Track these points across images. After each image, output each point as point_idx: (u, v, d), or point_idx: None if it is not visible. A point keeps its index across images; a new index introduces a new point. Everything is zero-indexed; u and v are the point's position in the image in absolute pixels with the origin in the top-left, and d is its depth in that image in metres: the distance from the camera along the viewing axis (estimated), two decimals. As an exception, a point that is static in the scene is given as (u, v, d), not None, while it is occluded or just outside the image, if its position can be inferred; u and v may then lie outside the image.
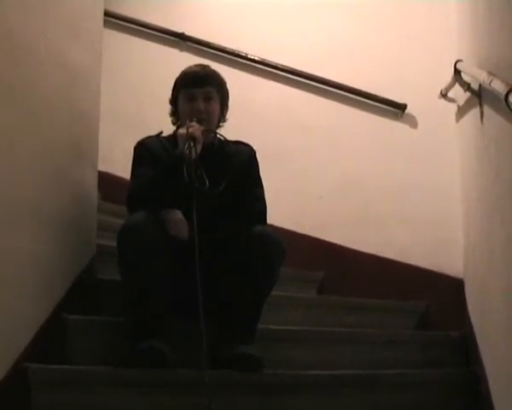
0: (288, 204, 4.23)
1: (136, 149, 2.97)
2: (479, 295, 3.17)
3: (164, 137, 2.99)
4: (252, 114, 4.49)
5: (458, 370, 3.20)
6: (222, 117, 3.05)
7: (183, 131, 2.76)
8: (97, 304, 2.92)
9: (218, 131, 3.00)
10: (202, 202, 2.62)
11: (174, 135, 2.90)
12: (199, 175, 2.64)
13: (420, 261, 3.85)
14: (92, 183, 3.23)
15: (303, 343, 3.02)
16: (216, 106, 2.98)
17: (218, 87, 3.00)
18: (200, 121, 2.84)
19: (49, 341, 2.50)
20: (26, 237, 2.37)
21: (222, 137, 2.93)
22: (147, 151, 2.92)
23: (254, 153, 3.05)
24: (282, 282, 3.72)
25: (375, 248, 4.00)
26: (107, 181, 3.64)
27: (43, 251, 2.55)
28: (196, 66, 3.05)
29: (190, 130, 2.72)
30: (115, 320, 2.75)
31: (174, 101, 3.04)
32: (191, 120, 2.81)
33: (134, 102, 4.80)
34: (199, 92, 2.93)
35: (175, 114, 3.03)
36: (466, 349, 3.28)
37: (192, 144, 2.68)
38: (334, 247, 4.12)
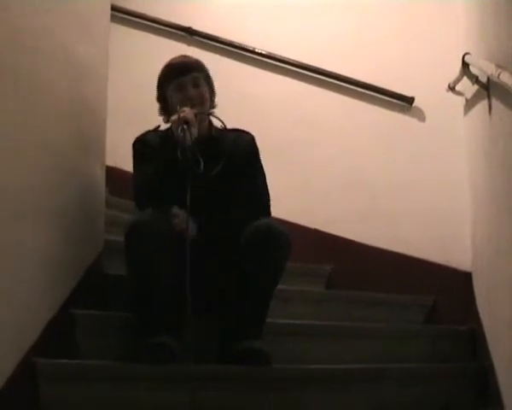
0: (296, 198, 4.23)
1: (134, 145, 2.96)
2: (487, 288, 3.16)
3: (161, 131, 2.99)
4: (259, 107, 4.48)
5: (467, 364, 3.21)
6: (211, 103, 3.04)
7: (175, 117, 2.77)
8: (105, 299, 2.92)
9: (211, 120, 3.01)
10: (200, 188, 2.62)
11: (171, 128, 2.89)
12: (194, 158, 2.64)
13: (428, 255, 3.84)
14: (100, 178, 3.23)
15: (311, 338, 3.02)
16: (205, 91, 2.98)
17: (204, 73, 3.02)
18: (192, 107, 2.84)
19: (57, 336, 2.50)
20: (33, 233, 2.38)
21: (219, 121, 2.90)
22: (146, 147, 2.92)
23: (254, 140, 3.04)
24: (291, 276, 3.73)
25: (383, 243, 3.99)
26: (114, 176, 3.64)
27: (50, 246, 2.55)
28: (179, 56, 3.06)
29: (182, 114, 2.73)
30: (123, 315, 2.75)
31: (162, 97, 3.03)
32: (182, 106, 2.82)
33: (142, 96, 4.77)
34: (187, 79, 2.93)
35: (165, 110, 3.02)
36: (474, 343, 3.28)
37: (186, 127, 2.68)
38: (342, 241, 4.12)
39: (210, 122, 3.01)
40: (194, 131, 2.73)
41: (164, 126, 3.00)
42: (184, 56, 3.05)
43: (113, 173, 3.51)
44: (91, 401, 2.38)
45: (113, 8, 3.74)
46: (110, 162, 3.40)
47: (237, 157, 2.90)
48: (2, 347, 2.10)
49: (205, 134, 2.90)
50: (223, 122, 2.89)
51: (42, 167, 2.46)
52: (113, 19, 3.65)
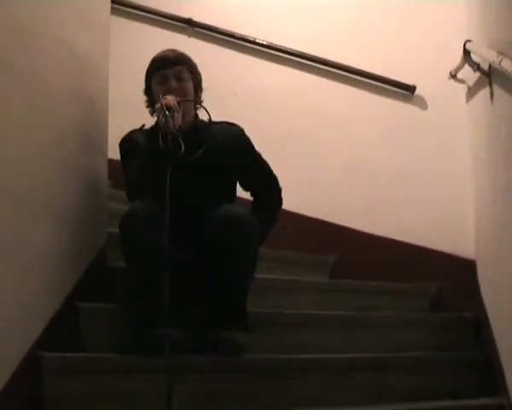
0: (299, 188, 4.21)
1: (121, 145, 2.98)
2: (491, 276, 3.16)
3: (147, 130, 2.99)
4: (260, 98, 4.48)
5: (471, 351, 3.21)
6: (196, 98, 3.02)
7: (158, 105, 2.76)
8: (109, 292, 2.92)
9: (197, 114, 3.01)
10: (185, 178, 2.67)
11: (156, 125, 2.89)
12: (175, 142, 2.63)
13: (432, 243, 3.84)
14: (102, 171, 3.24)
15: (315, 327, 3.02)
16: (189, 85, 2.97)
17: (189, 67, 3.00)
18: None
19: (62, 329, 2.51)
20: (37, 227, 2.38)
21: (205, 111, 2.89)
22: (133, 145, 2.92)
23: (243, 131, 3.05)
24: (295, 266, 3.75)
25: (387, 231, 3.99)
26: (117, 169, 3.63)
27: (54, 240, 2.56)
28: (166, 50, 3.05)
29: (164, 101, 2.72)
30: (127, 307, 2.75)
31: (149, 90, 3.04)
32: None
33: (143, 89, 4.79)
34: (170, 72, 2.93)
35: (152, 104, 3.01)
36: (479, 330, 3.28)
37: (168, 113, 2.67)
38: (346, 230, 4.12)
39: (196, 115, 3.01)
40: (178, 117, 2.74)
41: (149, 125, 3.00)
42: (171, 50, 3.04)
43: (115, 166, 3.50)
44: (96, 394, 2.38)
45: (113, 1, 3.73)
46: (113, 155, 3.40)
47: (223, 148, 2.92)
48: (7, 341, 2.10)
49: (190, 125, 2.91)
50: (207, 111, 2.88)
51: (44, 163, 2.47)
52: (114, 11, 3.64)
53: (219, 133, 2.96)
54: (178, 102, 2.77)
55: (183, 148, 2.64)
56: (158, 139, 2.64)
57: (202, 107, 2.92)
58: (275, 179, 3.10)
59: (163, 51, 3.03)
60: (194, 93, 2.99)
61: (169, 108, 2.70)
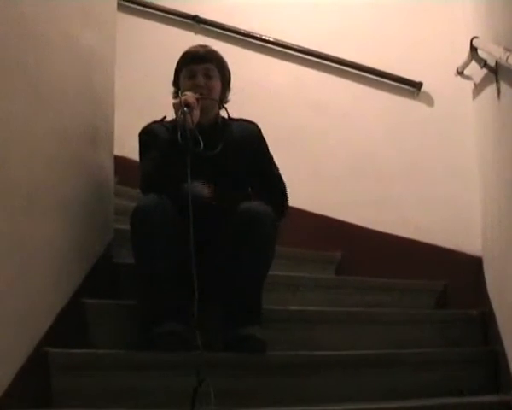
0: (304, 185, 4.21)
1: (140, 135, 2.97)
2: (497, 273, 3.15)
3: (168, 122, 2.99)
4: (266, 95, 4.48)
5: (478, 348, 3.20)
6: (224, 97, 3.05)
7: (176, 100, 2.77)
8: (115, 288, 2.93)
9: (220, 111, 3.02)
10: (206, 175, 2.66)
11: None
12: (193, 139, 2.61)
13: (438, 240, 3.84)
14: (109, 167, 3.24)
15: (322, 324, 3.02)
16: (217, 83, 2.98)
17: (219, 65, 3.01)
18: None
19: (68, 325, 2.51)
20: (44, 224, 2.38)
21: (224, 110, 2.94)
22: (152, 136, 2.92)
23: (260, 130, 3.07)
24: (301, 263, 3.74)
25: (393, 228, 3.99)
26: (123, 165, 3.65)
27: (61, 237, 2.56)
28: (197, 45, 3.07)
29: (183, 98, 2.73)
30: (134, 304, 2.76)
31: (177, 82, 3.05)
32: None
33: (149, 85, 4.78)
34: (199, 69, 2.95)
35: (178, 95, 3.02)
36: (485, 328, 3.28)
37: (186, 110, 2.67)
38: (352, 227, 4.11)
39: (218, 113, 3.01)
40: (196, 113, 2.74)
41: (170, 117, 3.00)
42: (201, 46, 3.07)
43: (121, 163, 3.51)
44: (103, 390, 2.38)
45: (120, -2, 3.74)
46: (118, 152, 3.41)
47: (239, 145, 2.94)
48: (14, 337, 2.11)
49: (210, 123, 2.92)
50: (227, 110, 2.92)
51: (51, 159, 2.47)
52: (120, 8, 3.65)
53: (236, 130, 2.98)
54: (197, 99, 2.78)
55: (201, 144, 2.63)
56: (177, 135, 2.63)
57: (223, 107, 2.95)
58: (283, 187, 3.08)
59: (194, 46, 3.05)
60: (221, 91, 3.01)
61: (187, 104, 2.70)
